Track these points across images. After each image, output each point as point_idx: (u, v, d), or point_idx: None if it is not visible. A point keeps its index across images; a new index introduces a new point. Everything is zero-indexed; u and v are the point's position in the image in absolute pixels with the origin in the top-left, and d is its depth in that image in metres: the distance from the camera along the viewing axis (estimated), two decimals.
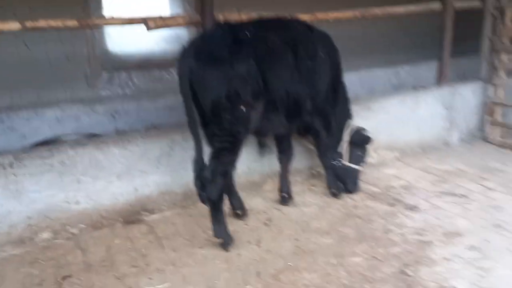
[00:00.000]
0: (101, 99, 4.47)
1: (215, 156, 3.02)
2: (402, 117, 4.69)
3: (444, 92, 4.94)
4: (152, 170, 3.52)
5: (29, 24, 3.03)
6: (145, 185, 3.51)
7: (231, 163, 3.07)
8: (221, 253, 3.08)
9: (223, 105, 2.88)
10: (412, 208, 3.65)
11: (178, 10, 5.40)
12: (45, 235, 3.21)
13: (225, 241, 3.09)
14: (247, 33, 3.04)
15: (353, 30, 5.72)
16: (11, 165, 3.02)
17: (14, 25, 2.98)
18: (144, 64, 5.33)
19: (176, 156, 3.60)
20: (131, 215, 3.51)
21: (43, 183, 3.13)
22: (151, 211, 3.59)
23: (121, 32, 5.07)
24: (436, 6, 4.86)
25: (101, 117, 4.30)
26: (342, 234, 3.28)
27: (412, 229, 3.32)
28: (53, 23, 3.09)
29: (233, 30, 3.06)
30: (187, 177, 3.64)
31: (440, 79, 5.07)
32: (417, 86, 5.30)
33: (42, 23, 3.07)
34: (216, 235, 3.09)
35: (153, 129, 3.73)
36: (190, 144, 3.62)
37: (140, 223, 3.49)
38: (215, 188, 3.00)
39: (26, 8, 4.58)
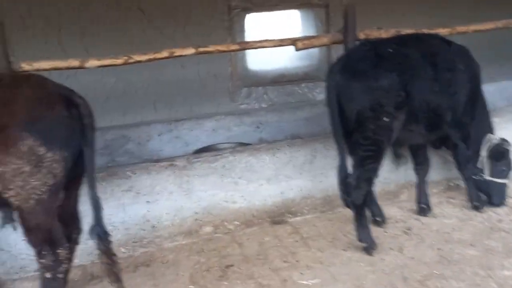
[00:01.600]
0: (247, 112, 4.99)
1: (359, 163, 3.25)
2: None
3: None
4: (296, 176, 3.86)
5: (201, 49, 3.60)
6: (290, 189, 3.87)
7: (374, 171, 3.26)
8: (364, 256, 3.26)
9: (367, 115, 3.12)
10: None
11: (310, 29, 5.76)
12: (208, 229, 3.72)
13: (368, 245, 3.28)
14: (389, 49, 3.26)
15: (491, 40, 5.51)
16: (184, 167, 3.60)
17: (190, 51, 3.57)
18: (278, 80, 5.78)
19: (317, 164, 3.90)
20: (277, 216, 3.88)
21: (208, 183, 3.65)
22: (294, 214, 3.92)
23: (258, 51, 5.56)
24: None
25: (248, 128, 4.82)
26: (487, 247, 3.25)
27: None
28: (220, 47, 3.62)
29: (376, 46, 3.32)
30: (326, 183, 3.94)
31: None
32: None
33: (211, 48, 3.63)
34: (360, 239, 3.29)
35: (297, 138, 4.08)
36: (331, 153, 3.92)
37: (285, 223, 3.84)
38: (359, 194, 3.23)
39: (183, 34, 5.33)
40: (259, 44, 3.80)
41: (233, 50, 3.77)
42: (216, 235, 3.73)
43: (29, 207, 2.46)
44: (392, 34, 3.93)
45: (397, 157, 3.93)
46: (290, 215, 3.91)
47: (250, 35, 5.61)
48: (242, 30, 5.54)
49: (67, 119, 2.48)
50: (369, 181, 3.26)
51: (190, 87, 5.42)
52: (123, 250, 3.52)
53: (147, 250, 3.58)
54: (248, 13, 5.56)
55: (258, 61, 5.73)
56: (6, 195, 2.46)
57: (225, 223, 3.76)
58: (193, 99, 5.42)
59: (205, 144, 4.65)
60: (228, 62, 5.48)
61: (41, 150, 2.39)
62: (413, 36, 3.66)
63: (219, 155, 3.67)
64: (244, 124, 4.83)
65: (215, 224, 3.73)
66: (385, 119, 3.13)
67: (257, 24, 5.74)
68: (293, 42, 3.84)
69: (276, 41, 3.85)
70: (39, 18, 4.92)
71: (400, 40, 3.47)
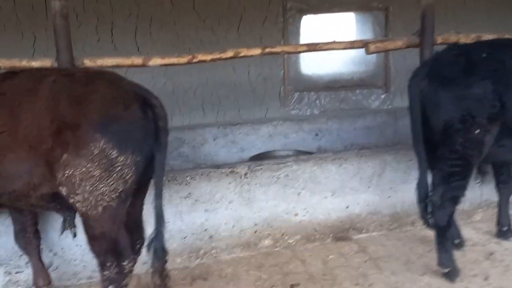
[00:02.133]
0: (306, 118, 4.74)
1: (444, 180, 2.94)
2: None
3: None
4: (363, 189, 3.57)
5: (268, 50, 3.37)
6: (356, 204, 3.58)
7: (462, 188, 2.94)
8: (445, 283, 2.95)
9: (456, 127, 2.82)
10: None
11: (367, 33, 5.48)
12: (267, 242, 3.47)
13: (451, 271, 2.96)
14: (482, 54, 2.95)
15: None
16: (245, 175, 3.36)
17: (256, 51, 3.35)
18: (331, 85, 5.52)
19: (386, 177, 3.60)
20: (341, 232, 3.59)
21: (270, 193, 3.40)
22: (359, 230, 3.62)
23: (312, 55, 5.31)
24: None
25: (306, 135, 4.57)
26: None
27: None
28: (287, 48, 3.38)
29: (466, 51, 3.02)
30: (395, 199, 3.64)
31: None
32: None
33: (278, 48, 3.40)
34: (441, 263, 2.98)
35: (365, 149, 3.79)
36: (401, 166, 3.63)
37: (349, 240, 3.56)
38: (444, 214, 2.92)
39: (236, 35, 5.15)
40: (328, 46, 3.54)
41: (300, 52, 3.54)
42: (276, 249, 3.47)
43: (96, 214, 2.27)
44: (472, 39, 3.63)
45: (482, 174, 3.59)
46: (355, 232, 3.62)
47: (303, 38, 5.38)
48: (297, 33, 5.30)
49: (142, 120, 2.27)
50: (455, 200, 2.94)
51: (239, 90, 5.24)
52: (178, 260, 3.31)
53: (203, 261, 3.36)
54: (304, 15, 5.32)
55: (312, 65, 5.48)
56: (72, 200, 2.28)
57: (286, 237, 3.50)
58: (241, 102, 5.25)
59: (260, 150, 4.41)
60: (280, 65, 5.26)
61: (113, 153, 2.19)
62: (505, 41, 3.32)
63: (282, 163, 3.41)
64: (302, 131, 4.56)
65: (275, 238, 3.48)
66: (476, 131, 2.82)
67: (311, 27, 5.49)
68: (364, 44, 3.56)
69: (346, 43, 3.59)
70: (92, 15, 4.82)
71: (492, 45, 3.13)
